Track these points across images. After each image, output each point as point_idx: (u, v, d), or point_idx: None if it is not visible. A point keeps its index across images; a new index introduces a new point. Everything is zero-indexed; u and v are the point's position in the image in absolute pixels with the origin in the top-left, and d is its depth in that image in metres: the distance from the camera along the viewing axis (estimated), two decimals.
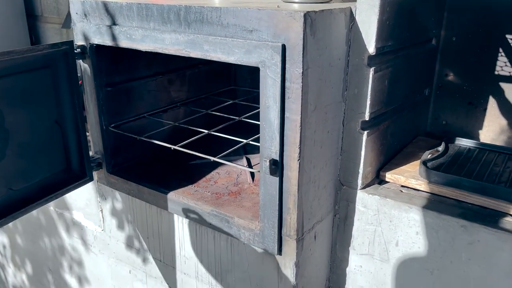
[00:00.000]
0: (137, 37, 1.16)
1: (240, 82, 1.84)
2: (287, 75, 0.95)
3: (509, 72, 1.43)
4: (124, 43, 1.20)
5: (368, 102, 1.10)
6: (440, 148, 1.35)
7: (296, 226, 1.07)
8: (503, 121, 1.47)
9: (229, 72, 1.83)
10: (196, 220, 1.23)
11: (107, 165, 1.42)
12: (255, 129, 1.12)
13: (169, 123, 1.46)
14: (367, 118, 1.11)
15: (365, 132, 1.13)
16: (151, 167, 1.46)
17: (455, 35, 1.49)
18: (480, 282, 1.05)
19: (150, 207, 1.39)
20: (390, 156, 1.32)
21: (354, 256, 1.23)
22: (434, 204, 1.11)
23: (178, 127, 1.49)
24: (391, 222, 1.14)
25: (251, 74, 1.80)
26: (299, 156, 1.00)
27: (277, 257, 1.13)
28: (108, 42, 1.24)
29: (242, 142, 1.25)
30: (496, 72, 1.45)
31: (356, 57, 1.08)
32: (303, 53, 0.92)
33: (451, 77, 1.53)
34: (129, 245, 1.52)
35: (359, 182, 1.17)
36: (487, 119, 1.49)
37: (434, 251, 1.10)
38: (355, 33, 1.07)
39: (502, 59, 1.43)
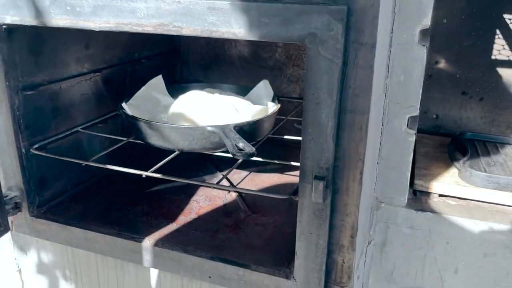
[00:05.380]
0: (86, 10, 0.75)
1: (188, 77, 1.47)
2: (350, 54, 0.65)
3: (508, 57, 1.29)
4: (61, 20, 0.78)
5: (420, 91, 0.84)
6: (460, 146, 1.15)
7: (349, 270, 0.76)
8: (501, 111, 1.32)
9: (174, 67, 1.45)
10: (188, 273, 0.86)
11: (30, 205, 0.96)
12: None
13: (121, 139, 1.04)
14: (417, 112, 0.85)
15: (414, 132, 0.86)
16: (96, 201, 1.04)
17: (446, 16, 1.31)
18: None
19: (104, 259, 0.98)
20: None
21: None
22: (503, 217, 0.88)
23: (127, 142, 1.07)
24: (448, 244, 0.89)
25: (203, 69, 1.45)
26: (362, 173, 0.70)
27: None
28: (30, 20, 0.80)
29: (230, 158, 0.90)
30: (492, 57, 1.30)
31: (404, 32, 0.81)
32: (378, 21, 0.62)
33: (442, 64, 1.35)
34: None
35: (404, 197, 0.91)
36: (483, 109, 1.34)
37: (507, 275, 0.87)
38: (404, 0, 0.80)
39: (499, 42, 1.28)
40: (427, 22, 0.79)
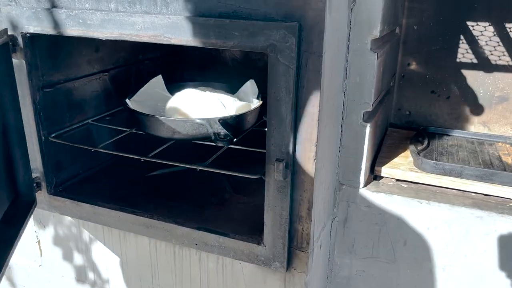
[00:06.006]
0: (95, 22, 0.93)
1: (187, 77, 1.64)
2: (302, 61, 0.81)
3: (471, 59, 1.44)
4: (74, 31, 0.96)
5: (373, 91, 1.00)
6: (421, 138, 1.31)
7: (308, 237, 0.93)
8: (466, 108, 1.47)
9: (175, 67, 1.63)
10: (178, 241, 1.03)
11: (48, 185, 1.14)
12: None
13: (125, 130, 1.22)
14: (370, 108, 1.01)
15: (368, 125, 1.03)
16: (104, 183, 1.22)
17: (416, 23, 1.46)
18: (498, 273, 1.00)
19: (110, 231, 1.15)
20: (377, 150, 1.24)
21: (355, 261, 1.13)
22: (443, 197, 1.04)
23: (132, 133, 1.25)
24: (398, 220, 1.05)
25: (200, 69, 1.62)
26: (315, 156, 0.86)
27: (285, 274, 0.98)
28: (49, 30, 0.98)
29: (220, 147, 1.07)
30: (457, 60, 1.45)
31: (358, 41, 0.97)
32: (324, 34, 0.79)
33: (413, 66, 1.50)
34: (80, 279, 1.25)
35: (361, 180, 1.07)
36: (450, 107, 1.49)
37: (446, 246, 1.03)
38: (357, 14, 0.96)
39: (463, 46, 1.44)
40: (376, 33, 0.95)
